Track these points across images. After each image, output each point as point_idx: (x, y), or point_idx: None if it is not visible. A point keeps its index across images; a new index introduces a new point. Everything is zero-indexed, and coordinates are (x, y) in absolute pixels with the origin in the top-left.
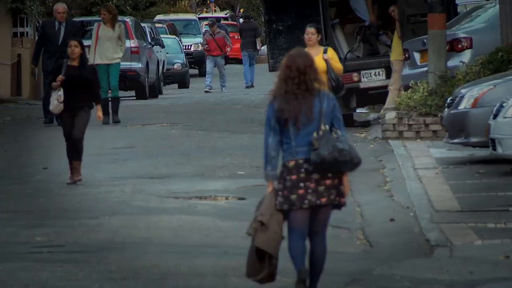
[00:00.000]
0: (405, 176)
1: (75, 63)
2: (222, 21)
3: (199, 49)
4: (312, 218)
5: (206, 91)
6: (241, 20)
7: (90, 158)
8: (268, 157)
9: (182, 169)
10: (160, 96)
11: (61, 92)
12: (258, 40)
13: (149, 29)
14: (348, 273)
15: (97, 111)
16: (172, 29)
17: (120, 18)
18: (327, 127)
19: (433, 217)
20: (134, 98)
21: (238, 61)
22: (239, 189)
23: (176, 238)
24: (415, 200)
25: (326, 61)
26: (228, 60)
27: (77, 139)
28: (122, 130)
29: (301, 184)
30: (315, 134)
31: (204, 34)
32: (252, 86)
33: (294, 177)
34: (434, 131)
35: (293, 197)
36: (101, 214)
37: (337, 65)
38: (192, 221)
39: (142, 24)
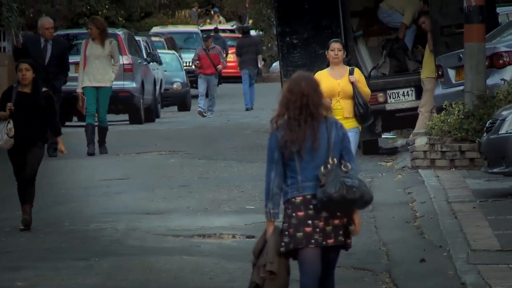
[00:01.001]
0: (438, 210)
1: (27, 90)
2: (223, 34)
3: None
4: (325, 261)
5: (200, 112)
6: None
7: (78, 191)
8: (270, 194)
9: (182, 203)
10: (157, 120)
11: (11, 125)
12: (259, 58)
13: (145, 43)
14: None
15: (59, 145)
16: (171, 43)
17: (111, 31)
18: (335, 160)
19: (469, 257)
20: (128, 122)
21: (236, 79)
22: (247, 226)
23: (176, 281)
24: (449, 238)
25: (353, 84)
26: (222, 79)
27: (28, 179)
28: (114, 159)
29: (309, 222)
30: (322, 169)
31: (197, 49)
32: (251, 108)
33: (301, 213)
34: (471, 159)
35: (299, 235)
36: (91, 255)
37: (365, 89)
38: (194, 263)
39: (137, 38)
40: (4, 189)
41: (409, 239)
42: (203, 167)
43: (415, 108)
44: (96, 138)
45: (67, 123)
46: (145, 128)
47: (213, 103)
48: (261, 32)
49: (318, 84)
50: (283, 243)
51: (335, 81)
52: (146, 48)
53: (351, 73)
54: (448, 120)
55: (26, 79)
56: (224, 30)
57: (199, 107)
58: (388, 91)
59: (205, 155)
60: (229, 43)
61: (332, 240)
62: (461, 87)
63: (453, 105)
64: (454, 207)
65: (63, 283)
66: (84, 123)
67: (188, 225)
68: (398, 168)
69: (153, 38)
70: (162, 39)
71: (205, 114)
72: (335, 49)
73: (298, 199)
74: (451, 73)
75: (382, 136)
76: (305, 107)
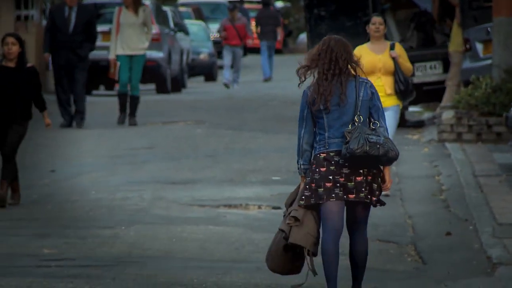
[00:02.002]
0: (464, 184)
1: (12, 64)
2: (249, 5)
3: None
4: (349, 216)
5: (226, 84)
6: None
7: (104, 160)
8: (301, 151)
9: (208, 174)
10: (183, 90)
11: None
12: (278, 30)
13: (172, 13)
14: None
15: (45, 118)
16: (198, 14)
17: None
18: (361, 118)
19: (495, 231)
20: (154, 92)
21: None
22: (273, 196)
23: (202, 251)
24: (475, 211)
25: (394, 59)
26: (247, 50)
27: (6, 156)
28: (140, 128)
29: (330, 177)
30: (350, 126)
31: (222, 20)
32: (270, 79)
33: (323, 169)
34: (498, 134)
35: (320, 190)
36: (116, 224)
37: (407, 64)
38: (220, 233)
39: (164, 8)
40: (30, 156)
41: (434, 212)
42: (229, 137)
43: (442, 82)
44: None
45: (94, 92)
46: (172, 98)
47: (238, 74)
48: (288, 4)
49: (348, 44)
50: (303, 197)
51: (376, 56)
52: (173, 18)
53: (392, 48)
54: (475, 94)
55: (12, 54)
56: (250, 1)
57: (225, 78)
58: (415, 64)
59: (231, 126)
60: (252, 14)
61: (354, 195)
62: (489, 61)
63: (480, 79)
64: (480, 180)
65: (89, 251)
66: (110, 92)
67: (214, 195)
68: (425, 141)
69: (180, 8)
70: (189, 9)
71: (229, 86)
72: (376, 22)
73: (322, 155)
74: (479, 46)
75: (409, 109)
76: (334, 62)
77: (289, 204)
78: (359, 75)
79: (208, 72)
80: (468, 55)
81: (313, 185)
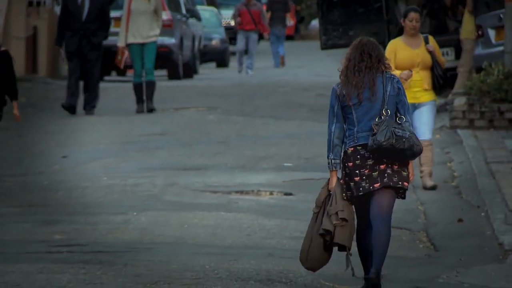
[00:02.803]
0: (476, 171)
1: None
2: None
3: None
4: (371, 204)
5: (240, 71)
6: None
7: (116, 146)
8: (331, 146)
9: (220, 160)
10: (195, 76)
11: None
12: (287, 16)
13: (184, 0)
14: (410, 280)
15: (14, 109)
16: (210, 0)
17: None
18: (389, 112)
19: (507, 218)
20: (166, 78)
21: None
22: (285, 183)
23: (214, 237)
24: (486, 198)
25: (431, 53)
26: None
27: None
28: (152, 115)
29: (357, 171)
30: (376, 119)
31: (237, 5)
32: (282, 64)
33: (351, 164)
34: (510, 120)
35: (352, 184)
36: (128, 210)
37: (441, 58)
38: (232, 219)
39: None
40: (42, 143)
41: (446, 199)
42: (241, 124)
43: (454, 68)
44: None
45: (106, 78)
46: (184, 84)
47: (252, 60)
48: None
49: (378, 44)
50: (344, 194)
51: (414, 51)
52: (185, 4)
53: (426, 41)
54: (487, 81)
55: None
56: None
57: (241, 65)
58: None
59: (243, 112)
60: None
61: (378, 183)
62: (501, 48)
63: (492, 66)
64: (492, 167)
65: (100, 237)
66: (122, 78)
67: (226, 181)
68: (437, 128)
69: None
70: None
71: (241, 71)
72: (413, 20)
73: (351, 149)
74: (491, 33)
75: None
76: (367, 55)
77: (321, 202)
78: (386, 71)
79: (220, 58)
80: (480, 41)
81: (346, 179)
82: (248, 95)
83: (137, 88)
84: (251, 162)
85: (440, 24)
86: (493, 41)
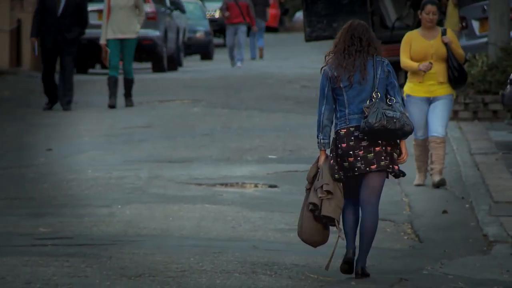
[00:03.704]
0: (460, 162)
1: None
2: None
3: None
4: (363, 186)
5: (239, 67)
6: None
7: (101, 139)
8: (321, 126)
9: (205, 152)
10: (180, 69)
11: None
12: (266, 10)
13: None
14: (394, 271)
15: None
16: None
17: None
18: (379, 94)
19: (491, 209)
20: (151, 70)
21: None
22: (270, 175)
23: (198, 230)
24: (471, 189)
25: (446, 45)
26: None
27: None
28: (136, 107)
29: (351, 152)
30: (367, 102)
31: None
32: (261, 57)
33: (344, 145)
34: (494, 111)
35: (345, 164)
36: (113, 203)
37: (459, 51)
38: (217, 211)
39: None
40: (27, 136)
41: (431, 190)
42: (226, 116)
43: None
44: (122, 91)
45: (90, 71)
46: (168, 77)
47: (241, 52)
48: None
49: (369, 28)
50: (335, 174)
51: (428, 42)
52: None
53: (443, 33)
54: (472, 72)
55: None
56: None
57: (237, 59)
58: None
59: (228, 105)
60: None
61: (375, 165)
62: (485, 39)
63: (476, 57)
64: (477, 159)
65: (85, 230)
66: (106, 71)
67: (210, 174)
68: None
69: None
70: None
71: (241, 66)
72: (430, 13)
73: (343, 131)
74: (475, 24)
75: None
76: (357, 39)
77: (311, 177)
78: (376, 55)
79: (205, 50)
80: (464, 33)
81: (339, 159)
82: (232, 88)
83: (111, 82)
84: (236, 155)
85: None
86: (477, 32)
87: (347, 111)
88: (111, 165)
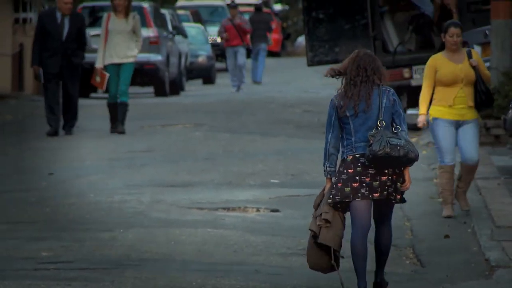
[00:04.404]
0: None
1: None
2: (241, 8)
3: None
4: (376, 211)
5: (237, 87)
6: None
7: (103, 163)
8: (327, 154)
9: (206, 176)
10: (182, 93)
11: None
12: (268, 35)
13: (170, 16)
14: None
15: None
16: (197, 17)
17: (136, 3)
18: (384, 123)
19: (493, 234)
20: (153, 95)
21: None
22: (272, 199)
23: (201, 254)
24: (473, 214)
25: (474, 68)
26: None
27: None
28: (138, 131)
29: (357, 178)
30: (373, 130)
31: (222, 21)
32: (259, 82)
33: (351, 171)
34: (496, 136)
35: (347, 190)
36: (115, 227)
37: (486, 72)
38: (219, 236)
39: (162, 11)
40: (28, 160)
41: (433, 215)
42: (228, 140)
43: None
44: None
45: (92, 95)
46: (170, 101)
47: (242, 74)
48: (286, 7)
49: (376, 57)
50: (330, 195)
51: (456, 66)
52: (171, 21)
53: (469, 56)
54: None
55: None
56: (245, 4)
57: (233, 85)
58: (413, 67)
59: (230, 129)
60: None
61: (378, 194)
62: (487, 64)
63: None
64: (479, 183)
65: (87, 254)
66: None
67: (212, 198)
68: (423, 144)
69: (179, 12)
70: (188, 12)
71: (237, 90)
72: (454, 35)
73: (350, 157)
74: (477, 49)
75: (408, 112)
76: (363, 70)
77: (317, 205)
78: (382, 84)
79: (207, 75)
80: None
81: (340, 184)
82: (234, 112)
83: (111, 108)
84: (238, 179)
85: (426, 40)
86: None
87: (353, 139)
88: (113, 189)
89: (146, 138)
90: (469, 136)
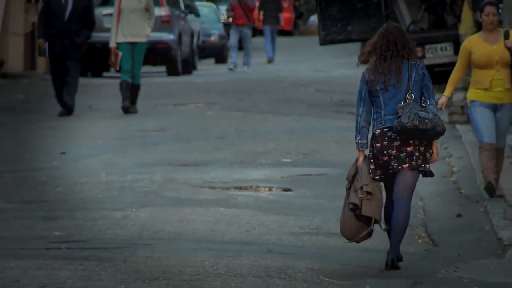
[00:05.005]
0: (475, 166)
1: None
2: None
3: None
4: (396, 183)
5: (230, 69)
6: None
7: (114, 142)
8: (358, 127)
9: (218, 155)
10: (194, 72)
11: None
12: (279, 15)
13: None
14: (409, 275)
15: None
16: None
17: None
18: (413, 96)
19: (506, 213)
20: (165, 74)
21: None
22: (284, 178)
23: (213, 233)
24: (485, 193)
25: (510, 49)
26: (258, 32)
27: None
28: (150, 110)
29: (384, 152)
30: (402, 103)
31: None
32: (272, 60)
33: (378, 145)
34: None
35: (381, 162)
36: (127, 206)
37: None
38: (231, 215)
39: None
40: (40, 140)
41: (445, 194)
42: (239, 119)
43: (453, 64)
44: None
45: (104, 74)
46: (182, 80)
47: (248, 55)
48: None
49: (404, 31)
50: (370, 170)
51: (491, 48)
52: (183, 0)
53: (506, 36)
54: None
55: None
56: None
57: (231, 62)
58: (426, 46)
59: (241, 108)
60: None
61: (407, 164)
62: None
63: None
64: None
65: (99, 234)
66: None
67: (224, 177)
68: None
69: None
70: None
71: (233, 68)
72: (490, 14)
73: (378, 131)
74: None
75: None
76: (393, 44)
77: (351, 177)
78: (412, 58)
79: (219, 54)
80: None
81: (374, 159)
82: (246, 91)
83: (124, 86)
84: (250, 158)
85: (438, 19)
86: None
87: (383, 112)
88: (125, 168)
89: (158, 117)
90: (504, 121)
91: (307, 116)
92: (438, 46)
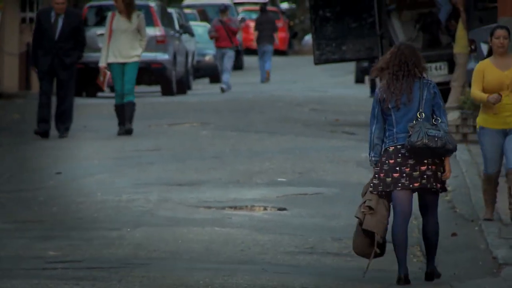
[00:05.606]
0: (469, 185)
1: None
2: (246, 6)
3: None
4: (421, 201)
5: (222, 88)
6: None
7: (110, 162)
8: (372, 144)
9: (214, 175)
10: (189, 92)
11: None
12: (274, 35)
13: (177, 15)
14: None
15: None
16: (203, 16)
17: (143, 2)
18: (423, 115)
19: (501, 231)
20: (160, 94)
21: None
22: (279, 198)
23: (208, 253)
24: (480, 212)
25: None
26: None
27: None
28: (145, 130)
29: (397, 168)
30: (414, 122)
31: (213, 20)
32: (268, 79)
33: (392, 161)
34: None
35: (388, 180)
36: (122, 226)
37: None
38: (226, 234)
39: (169, 10)
40: (36, 160)
41: (440, 213)
42: (235, 139)
43: (448, 83)
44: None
45: (99, 94)
46: (177, 100)
47: (227, 77)
48: (293, 5)
49: (416, 50)
50: (371, 184)
51: (502, 73)
52: (178, 20)
53: None
54: None
55: None
56: (252, 3)
57: (223, 81)
58: None
59: (237, 127)
60: (254, 16)
61: (418, 183)
62: None
63: None
64: None
65: (95, 253)
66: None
67: (220, 196)
68: None
69: (186, 10)
70: (195, 11)
71: (225, 90)
72: (501, 37)
73: (391, 148)
74: (484, 48)
75: None
76: (404, 64)
77: (364, 194)
78: (424, 77)
79: (213, 73)
80: (473, 56)
81: (382, 174)
82: (241, 110)
83: (118, 110)
84: (245, 177)
85: (433, 39)
86: (486, 55)
87: (395, 130)
88: (121, 188)
89: (153, 137)
90: None
91: (303, 135)
92: (433, 65)
